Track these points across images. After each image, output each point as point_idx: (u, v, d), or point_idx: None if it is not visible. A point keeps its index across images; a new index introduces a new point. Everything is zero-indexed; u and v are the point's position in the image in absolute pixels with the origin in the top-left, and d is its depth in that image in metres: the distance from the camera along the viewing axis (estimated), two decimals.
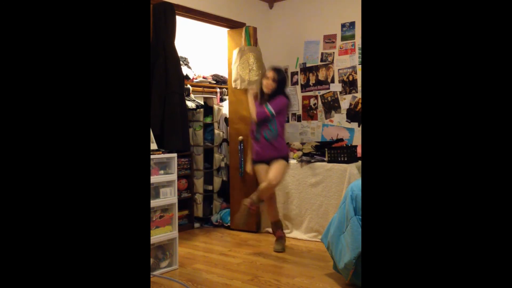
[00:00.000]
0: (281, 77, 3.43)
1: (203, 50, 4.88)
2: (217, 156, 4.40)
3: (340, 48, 4.23)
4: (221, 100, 4.59)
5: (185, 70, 4.23)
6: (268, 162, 3.43)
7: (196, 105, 4.14)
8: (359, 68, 4.14)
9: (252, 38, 4.04)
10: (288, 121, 4.56)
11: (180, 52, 3.85)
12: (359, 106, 4.13)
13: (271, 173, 3.33)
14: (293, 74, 4.61)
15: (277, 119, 3.38)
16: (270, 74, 3.41)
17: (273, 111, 3.34)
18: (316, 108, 4.42)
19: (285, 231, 3.89)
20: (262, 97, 3.46)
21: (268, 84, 3.39)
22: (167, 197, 2.92)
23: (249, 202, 3.33)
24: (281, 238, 3.50)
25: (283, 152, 3.43)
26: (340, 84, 4.25)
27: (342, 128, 4.22)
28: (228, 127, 4.29)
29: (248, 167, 3.67)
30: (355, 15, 4.08)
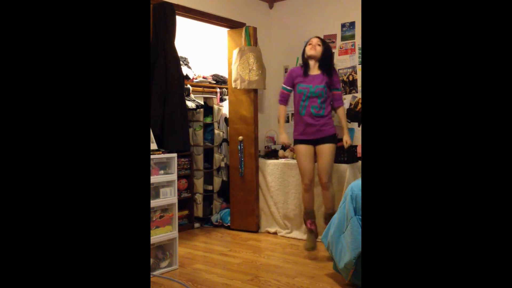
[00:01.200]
0: (326, 44, 3.39)
1: (203, 50, 4.88)
2: (217, 156, 4.40)
3: (340, 48, 4.23)
4: (221, 100, 4.59)
5: (185, 70, 4.23)
6: (313, 142, 3.34)
7: (196, 105, 4.15)
8: (359, 68, 4.14)
9: (252, 38, 4.04)
10: (288, 121, 4.55)
11: (180, 52, 3.85)
12: (359, 106, 4.12)
13: (321, 172, 3.27)
14: None
15: (331, 95, 3.38)
16: (313, 40, 3.35)
17: (338, 86, 3.42)
18: None
19: (285, 231, 3.90)
20: (319, 64, 3.33)
21: (314, 47, 3.31)
22: (167, 197, 2.92)
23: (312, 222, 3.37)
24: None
25: (330, 130, 3.32)
26: (340, 84, 4.24)
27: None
28: (228, 127, 4.29)
29: (284, 137, 3.43)
30: (355, 15, 4.08)
